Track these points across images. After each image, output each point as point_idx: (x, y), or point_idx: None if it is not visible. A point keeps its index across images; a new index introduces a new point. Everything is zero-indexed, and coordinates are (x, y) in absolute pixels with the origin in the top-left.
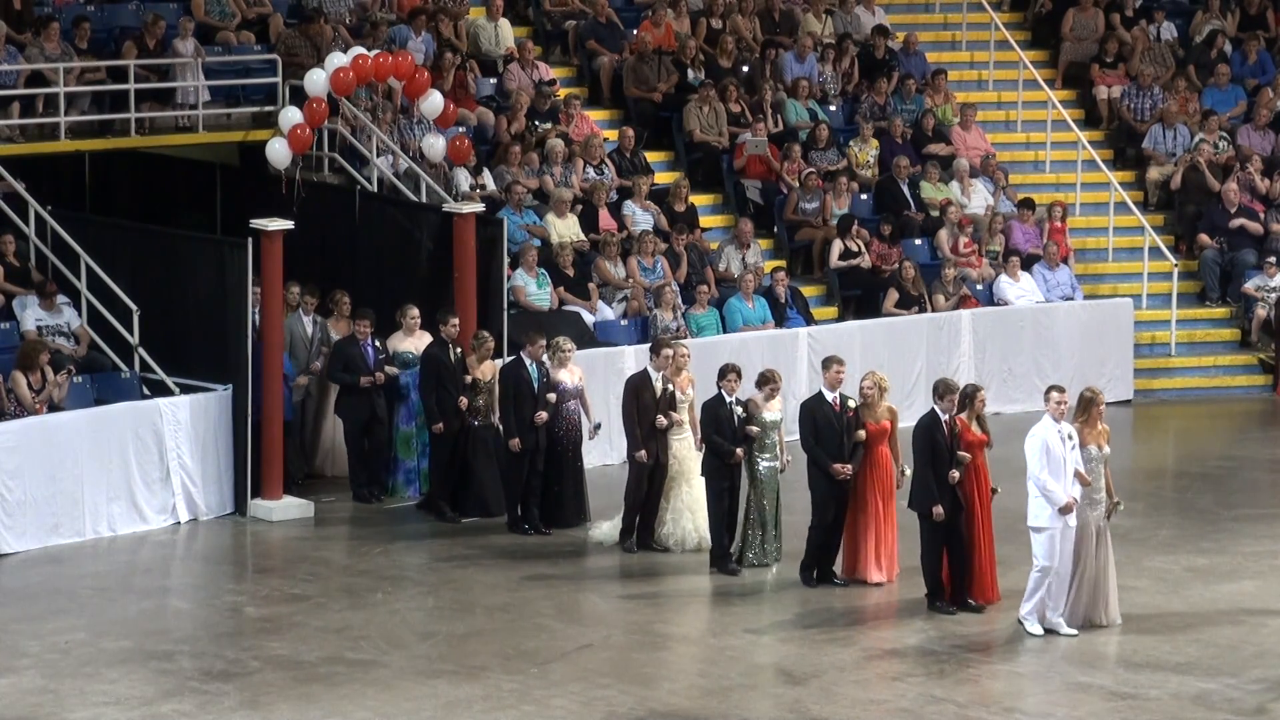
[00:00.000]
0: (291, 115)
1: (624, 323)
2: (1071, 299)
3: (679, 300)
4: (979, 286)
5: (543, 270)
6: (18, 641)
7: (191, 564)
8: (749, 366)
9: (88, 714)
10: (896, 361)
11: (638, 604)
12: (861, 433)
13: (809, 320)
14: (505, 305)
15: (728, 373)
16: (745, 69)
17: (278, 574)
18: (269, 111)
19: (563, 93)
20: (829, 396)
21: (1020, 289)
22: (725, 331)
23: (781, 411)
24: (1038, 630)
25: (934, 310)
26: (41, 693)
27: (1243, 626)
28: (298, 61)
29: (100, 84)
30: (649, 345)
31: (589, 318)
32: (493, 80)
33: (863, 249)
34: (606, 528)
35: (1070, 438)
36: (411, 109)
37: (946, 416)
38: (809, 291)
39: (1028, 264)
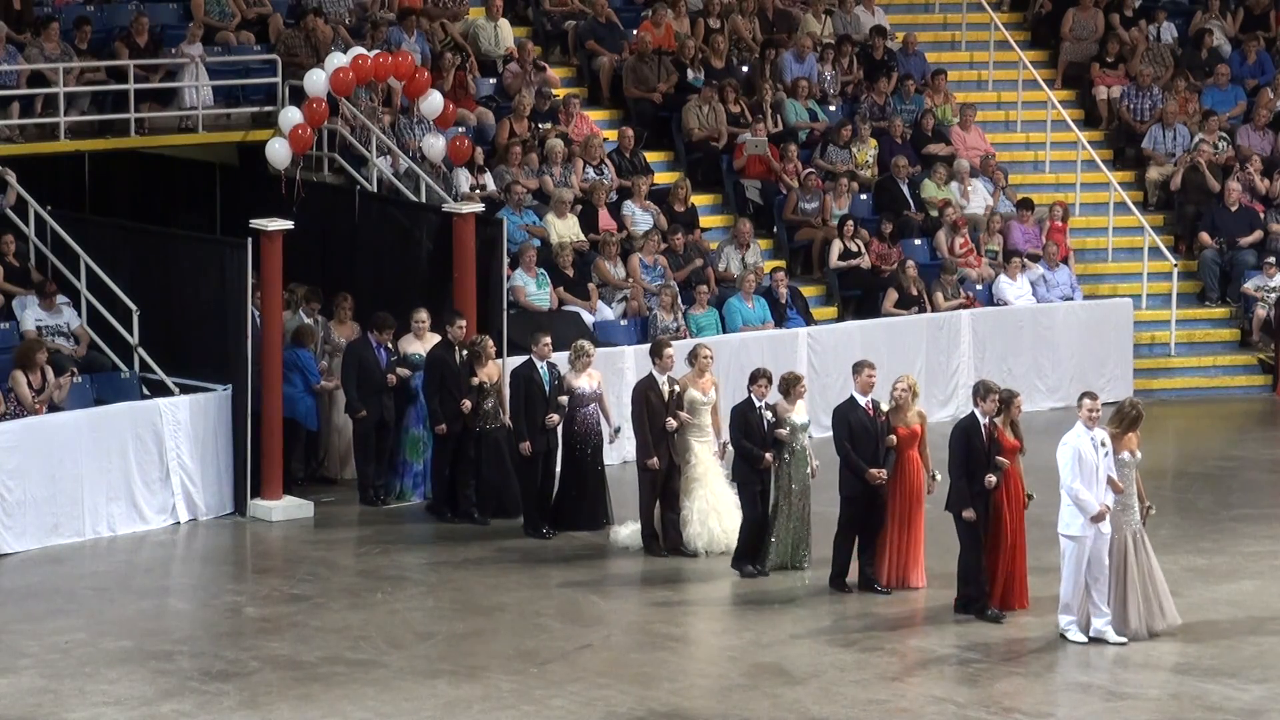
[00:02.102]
0: (291, 115)
1: (624, 323)
2: (1071, 299)
3: (679, 300)
4: (978, 287)
5: (542, 270)
6: (17, 641)
7: (191, 564)
8: (748, 367)
9: (87, 714)
10: (896, 362)
11: (638, 605)
12: (893, 437)
13: (809, 320)
14: (505, 305)
15: (759, 377)
16: (745, 69)
17: (277, 574)
18: (269, 112)
19: (562, 93)
20: (862, 401)
21: (1019, 289)
22: (725, 331)
23: (809, 414)
24: (1080, 639)
25: (933, 310)
26: (41, 693)
27: (1243, 626)
28: (297, 62)
29: (100, 84)
30: (649, 348)
31: (588, 318)
32: (492, 80)
33: (862, 249)
34: (626, 533)
35: (1103, 444)
36: (412, 109)
37: (986, 420)
38: (809, 291)
39: (1025, 264)
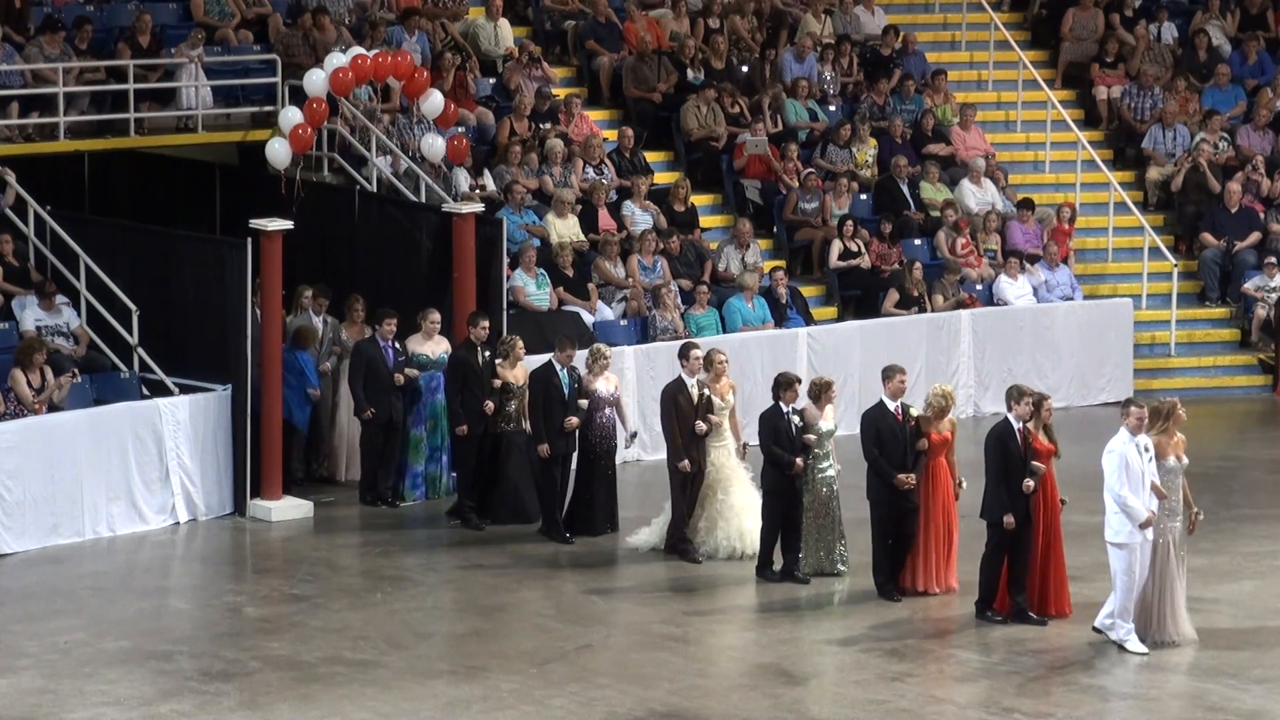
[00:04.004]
0: (291, 115)
1: (623, 323)
2: (1071, 299)
3: (678, 300)
4: (978, 287)
5: (542, 270)
6: (17, 642)
7: (191, 564)
8: (749, 367)
9: (87, 714)
10: (896, 362)
11: (638, 605)
12: (923, 442)
13: (809, 320)
14: (505, 305)
15: (793, 383)
16: (745, 69)
17: (277, 574)
18: (268, 111)
19: (562, 93)
20: (890, 406)
21: (1020, 289)
22: (725, 331)
23: (835, 420)
24: (1140, 648)
25: (933, 310)
26: (41, 693)
27: (1243, 626)
28: (297, 61)
29: (100, 84)
30: (677, 351)
31: (588, 318)
32: (492, 80)
33: (862, 249)
34: (644, 534)
35: (1147, 450)
36: (412, 109)
37: (1020, 425)
38: (808, 292)
39: (1024, 264)
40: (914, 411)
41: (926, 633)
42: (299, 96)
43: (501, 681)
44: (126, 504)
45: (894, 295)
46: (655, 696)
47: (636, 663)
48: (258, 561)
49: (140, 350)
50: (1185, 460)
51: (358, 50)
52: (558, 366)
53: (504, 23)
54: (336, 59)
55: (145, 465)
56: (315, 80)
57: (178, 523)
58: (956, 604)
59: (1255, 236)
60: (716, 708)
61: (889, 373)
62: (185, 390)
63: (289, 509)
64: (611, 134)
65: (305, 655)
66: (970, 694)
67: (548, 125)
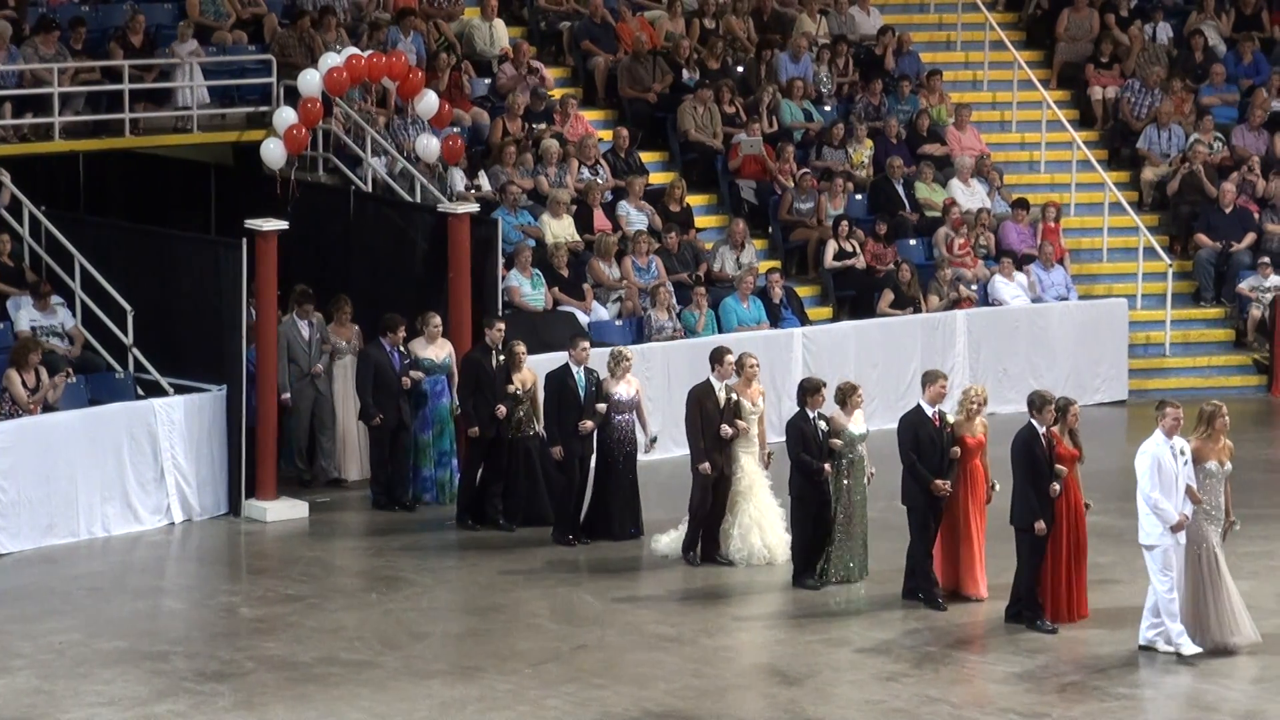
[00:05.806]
0: (286, 115)
1: (619, 323)
2: (1066, 299)
3: (673, 300)
4: (973, 287)
5: (537, 270)
6: (12, 642)
7: (186, 564)
8: None
9: (82, 714)
10: (891, 362)
11: (634, 606)
12: (955, 451)
13: (804, 321)
14: (500, 306)
15: (819, 388)
16: (740, 69)
17: (272, 574)
18: (263, 112)
19: (557, 93)
20: (929, 411)
21: (1015, 289)
22: (720, 331)
23: (865, 423)
24: (1166, 648)
25: (928, 310)
26: (35, 693)
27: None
28: (292, 62)
29: (95, 84)
30: (709, 355)
31: (583, 318)
32: (487, 80)
33: (857, 249)
34: (667, 540)
35: (1182, 453)
36: (406, 109)
37: (1044, 429)
38: (803, 292)
39: (1021, 264)
40: (950, 418)
41: (925, 634)
42: (294, 97)
43: (497, 682)
44: (121, 504)
45: (889, 295)
46: (651, 697)
47: (632, 663)
48: (253, 562)
49: (135, 350)
50: (1229, 466)
51: (352, 50)
52: (573, 367)
53: (499, 23)
54: (331, 59)
55: (140, 465)
56: (310, 80)
57: (172, 523)
58: (959, 607)
59: (1250, 238)
60: (712, 708)
61: (930, 378)
62: (180, 390)
63: (284, 509)
64: (606, 134)
65: (300, 655)
66: (965, 694)
67: (543, 125)
